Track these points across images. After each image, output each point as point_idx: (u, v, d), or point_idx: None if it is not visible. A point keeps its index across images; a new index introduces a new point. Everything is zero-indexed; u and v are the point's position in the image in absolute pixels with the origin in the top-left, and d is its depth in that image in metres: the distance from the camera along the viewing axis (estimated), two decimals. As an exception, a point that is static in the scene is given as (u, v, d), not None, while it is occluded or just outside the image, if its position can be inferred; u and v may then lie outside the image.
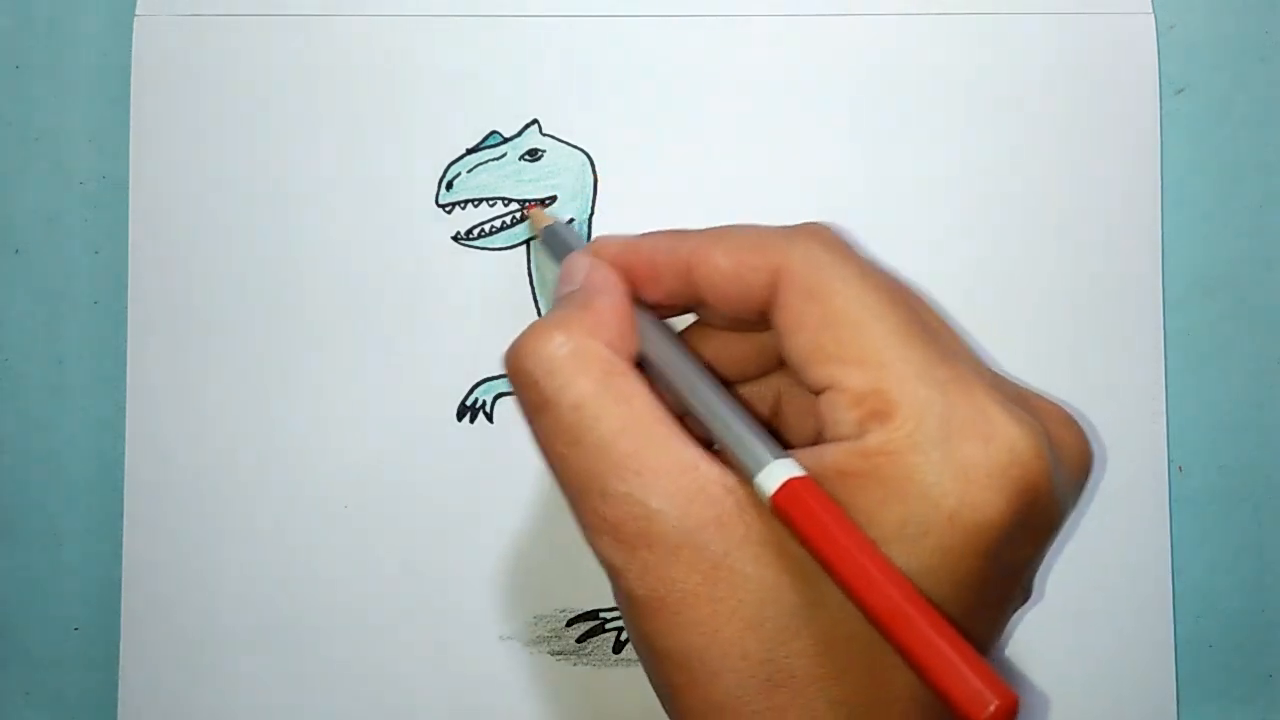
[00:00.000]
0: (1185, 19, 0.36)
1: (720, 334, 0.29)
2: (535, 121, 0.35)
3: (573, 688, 0.35)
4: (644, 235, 0.28)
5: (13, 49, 0.36)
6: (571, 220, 0.35)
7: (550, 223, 0.33)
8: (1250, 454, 0.36)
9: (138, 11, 0.35)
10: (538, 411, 0.25)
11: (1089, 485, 0.35)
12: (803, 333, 0.24)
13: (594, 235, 0.35)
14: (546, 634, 0.35)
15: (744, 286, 0.25)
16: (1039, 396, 0.27)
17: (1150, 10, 0.36)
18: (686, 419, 0.27)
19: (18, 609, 0.36)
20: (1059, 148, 0.35)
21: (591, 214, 0.35)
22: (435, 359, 0.35)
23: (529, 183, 0.35)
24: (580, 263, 0.28)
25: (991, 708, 0.20)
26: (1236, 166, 0.36)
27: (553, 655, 0.35)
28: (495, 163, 0.35)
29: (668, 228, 0.28)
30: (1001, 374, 0.26)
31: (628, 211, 0.35)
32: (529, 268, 0.35)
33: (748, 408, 0.26)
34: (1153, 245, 0.35)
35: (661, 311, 0.28)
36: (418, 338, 0.35)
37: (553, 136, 0.35)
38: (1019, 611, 0.29)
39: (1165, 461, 0.35)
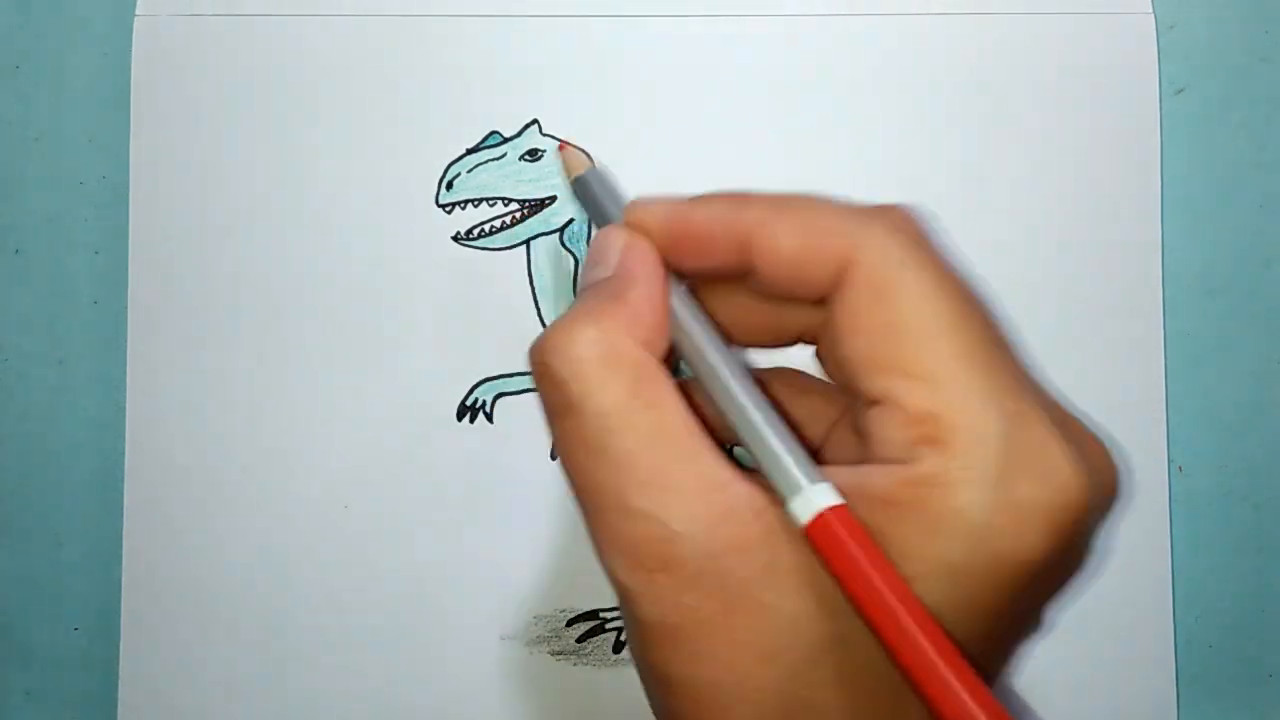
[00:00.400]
0: (1185, 19, 0.36)
1: (744, 298, 0.26)
2: (535, 121, 0.35)
3: (573, 688, 0.35)
4: (695, 200, 0.25)
5: (13, 49, 0.36)
6: (571, 220, 0.35)
7: (587, 169, 0.30)
8: (1250, 454, 0.36)
9: (138, 11, 0.35)
10: (561, 415, 0.23)
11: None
12: (863, 336, 0.22)
13: (594, 235, 0.35)
14: (546, 634, 0.35)
15: (808, 271, 0.23)
16: (1082, 426, 0.25)
17: (1150, 10, 0.36)
18: (710, 414, 0.25)
19: (18, 609, 0.36)
20: (1059, 148, 0.35)
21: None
22: (435, 359, 0.35)
23: (529, 183, 0.35)
24: (614, 241, 0.25)
25: None
26: (1236, 166, 0.36)
27: (553, 655, 0.35)
28: (495, 163, 0.35)
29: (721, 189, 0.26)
30: (1050, 395, 0.25)
31: (628, 211, 0.35)
32: (529, 268, 0.35)
33: (783, 414, 0.24)
34: (1153, 245, 0.35)
35: (698, 279, 0.26)
36: (418, 338, 0.35)
37: (553, 136, 0.35)
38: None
39: (1165, 461, 0.35)
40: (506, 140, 0.35)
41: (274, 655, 0.35)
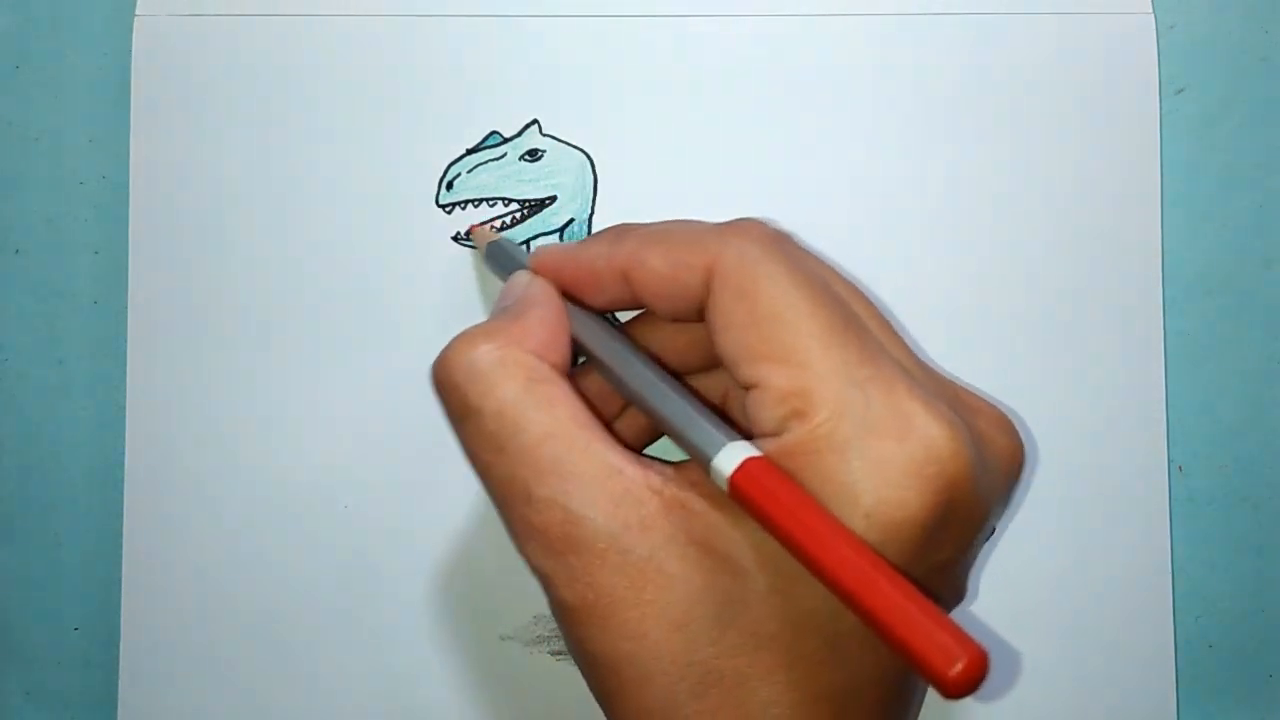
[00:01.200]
0: (1185, 19, 0.36)
1: (666, 326, 0.29)
2: (535, 121, 0.35)
3: (573, 688, 0.35)
4: (584, 242, 0.28)
5: (13, 49, 0.36)
6: (571, 220, 0.35)
7: (495, 239, 0.33)
8: (1250, 454, 0.36)
9: (138, 11, 0.35)
10: (462, 419, 0.25)
11: (1090, 485, 0.35)
12: (731, 331, 0.24)
13: (597, 230, 0.35)
14: (546, 634, 0.35)
15: (680, 287, 0.26)
16: (973, 395, 0.27)
17: (1150, 10, 0.36)
18: (618, 424, 0.27)
19: (18, 609, 0.36)
20: (1059, 147, 0.35)
21: (591, 214, 0.35)
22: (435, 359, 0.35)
23: (529, 183, 0.35)
24: (519, 279, 0.29)
25: (961, 664, 0.20)
26: (1236, 166, 0.36)
27: (553, 655, 0.35)
28: (495, 163, 0.35)
29: (611, 225, 0.28)
30: (940, 371, 0.27)
31: (628, 211, 0.35)
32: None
33: (701, 399, 0.26)
34: (1153, 245, 0.35)
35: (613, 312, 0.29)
36: (418, 338, 0.35)
37: (553, 136, 0.35)
38: (959, 609, 0.29)
39: (1165, 461, 0.35)
40: (506, 140, 0.35)
41: (274, 655, 0.35)
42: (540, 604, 0.35)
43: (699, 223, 0.27)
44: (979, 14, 0.36)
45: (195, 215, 0.35)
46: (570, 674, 0.35)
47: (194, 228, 0.35)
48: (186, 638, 0.35)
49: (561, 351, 0.26)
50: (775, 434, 0.23)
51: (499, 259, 0.32)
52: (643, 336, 0.29)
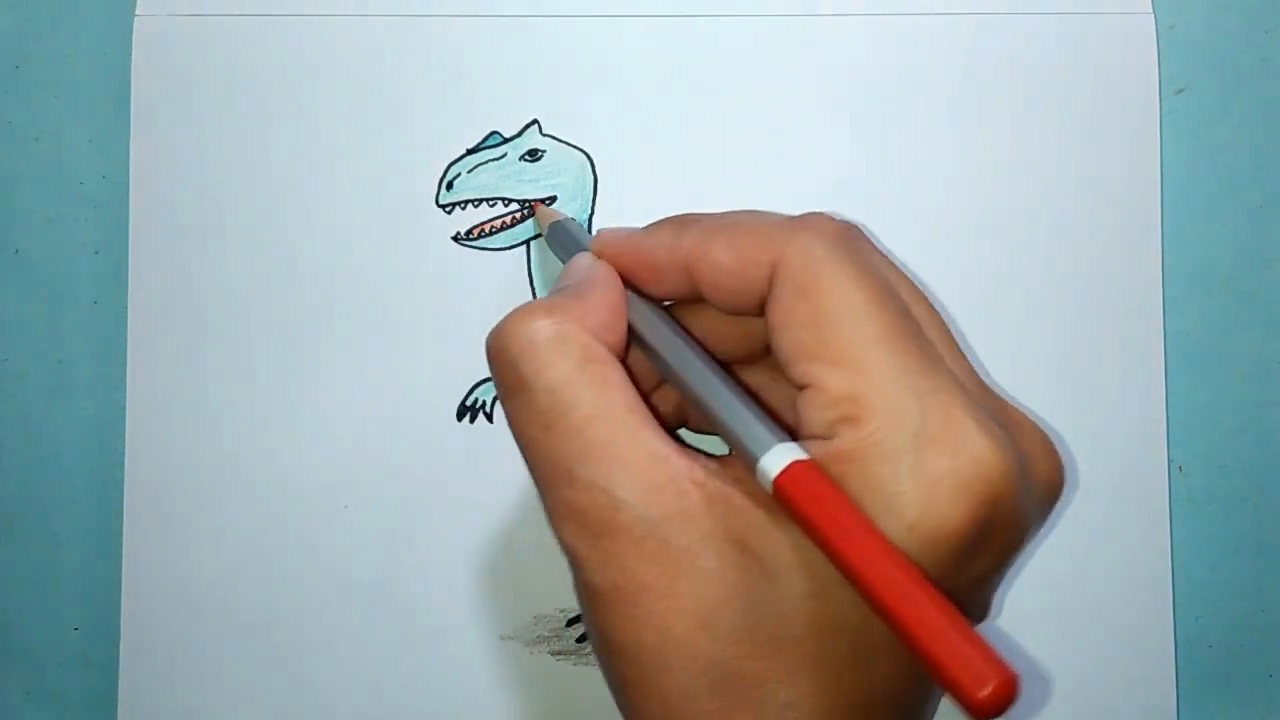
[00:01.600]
0: (1185, 19, 0.36)
1: (714, 314, 0.28)
2: (535, 121, 0.35)
3: (573, 688, 0.35)
4: (647, 229, 0.28)
5: (13, 49, 0.36)
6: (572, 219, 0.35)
7: (558, 219, 0.33)
8: (1250, 454, 0.36)
9: (138, 11, 0.35)
10: (513, 393, 0.25)
11: (1090, 485, 0.35)
12: (790, 329, 0.24)
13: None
14: (546, 634, 0.35)
15: (744, 281, 0.25)
16: (1020, 414, 0.26)
17: (1150, 10, 0.36)
18: (658, 407, 0.27)
19: (18, 609, 0.36)
20: (1059, 147, 0.35)
21: (591, 214, 0.35)
22: (435, 359, 0.35)
23: (529, 183, 0.35)
24: (581, 260, 0.28)
25: (990, 687, 0.19)
26: (1236, 166, 0.36)
27: (553, 655, 0.35)
28: (495, 163, 0.35)
29: (676, 214, 0.28)
30: (990, 385, 0.26)
31: (628, 211, 0.35)
32: (529, 268, 0.35)
33: (751, 395, 0.26)
34: (1153, 245, 0.35)
35: (671, 302, 0.28)
36: (418, 338, 0.35)
37: (553, 136, 0.35)
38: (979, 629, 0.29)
39: (1165, 461, 0.35)
40: (506, 140, 0.35)
41: (274, 655, 0.35)
42: (540, 604, 0.35)
43: (766, 214, 0.27)
44: (979, 14, 0.36)
45: (195, 215, 0.35)
46: (570, 674, 0.35)
47: (194, 228, 0.35)
48: (186, 638, 0.35)
49: (619, 335, 0.26)
50: (825, 437, 0.23)
51: (561, 239, 0.32)
52: (693, 322, 0.29)
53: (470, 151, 0.35)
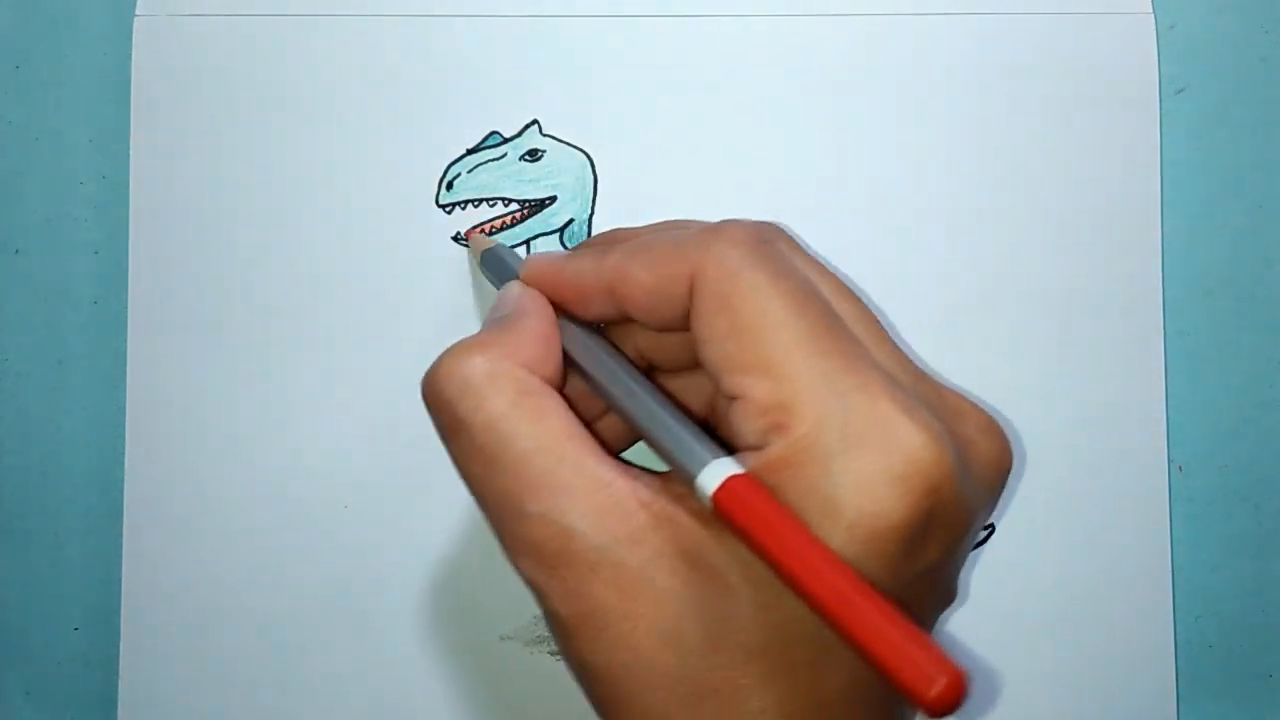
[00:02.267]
0: (1185, 19, 0.36)
1: (648, 331, 0.28)
2: (535, 121, 0.35)
3: (573, 688, 0.35)
4: (573, 253, 0.28)
5: (13, 49, 0.36)
6: (571, 221, 0.35)
7: (491, 246, 0.33)
8: (1250, 454, 0.36)
9: (138, 11, 0.35)
10: (453, 434, 0.25)
11: (1090, 485, 0.35)
12: (714, 343, 0.24)
13: (593, 235, 0.35)
14: (546, 634, 0.35)
15: (666, 299, 0.25)
16: (960, 398, 0.26)
17: (1150, 10, 0.36)
18: (599, 425, 0.27)
19: (18, 609, 0.36)
20: (1059, 148, 0.35)
21: (591, 214, 0.35)
22: (435, 359, 0.35)
23: (529, 183, 0.35)
24: (510, 290, 0.28)
25: (940, 685, 0.20)
26: (1236, 166, 0.36)
27: (553, 655, 0.35)
28: (495, 163, 0.35)
29: (604, 231, 0.28)
30: (928, 372, 0.26)
31: (628, 211, 0.35)
32: (529, 268, 0.35)
33: (686, 411, 0.26)
34: (1153, 245, 0.35)
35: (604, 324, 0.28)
36: (418, 338, 0.35)
37: (553, 136, 0.35)
38: (949, 612, 0.29)
39: (1165, 461, 0.35)
40: (506, 140, 0.35)
41: (274, 655, 0.35)
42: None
43: (684, 227, 0.27)
44: (978, 14, 0.36)
45: (195, 215, 0.35)
46: (570, 674, 0.35)
47: (194, 228, 0.35)
48: (186, 638, 0.35)
49: (553, 364, 0.26)
50: (758, 447, 0.23)
51: (493, 266, 0.32)
52: (628, 341, 0.29)
53: (470, 151, 0.35)
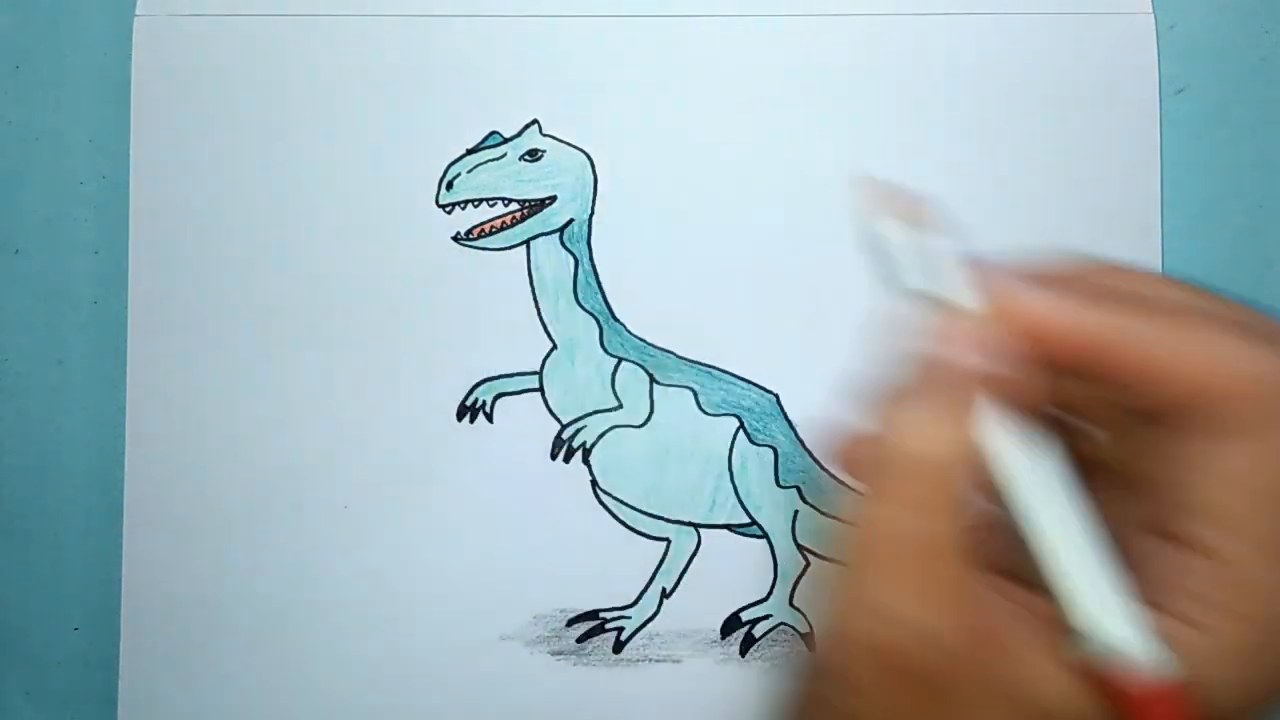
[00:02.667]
0: (1185, 19, 0.36)
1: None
2: (535, 121, 0.35)
3: (573, 688, 0.35)
4: (1081, 301, 0.20)
5: (13, 49, 0.36)
6: (571, 221, 0.35)
7: (927, 221, 0.22)
8: (1250, 454, 0.36)
9: (138, 11, 0.35)
10: (872, 498, 0.20)
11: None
12: (1217, 489, 0.19)
13: (593, 236, 0.35)
14: (546, 634, 0.35)
15: (1192, 403, 0.19)
16: None
17: (1150, 10, 0.36)
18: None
19: (18, 609, 0.36)
20: (1059, 148, 0.35)
21: (591, 214, 0.35)
22: (435, 359, 0.35)
23: (529, 183, 0.35)
24: (965, 330, 0.21)
25: None
26: (1236, 166, 0.36)
27: (553, 655, 0.35)
28: (495, 163, 0.35)
29: (1051, 268, 0.21)
30: None
31: (628, 211, 0.35)
32: (529, 268, 0.35)
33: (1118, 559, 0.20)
34: (1153, 245, 0.35)
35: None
36: (418, 338, 0.35)
37: (553, 136, 0.35)
38: None
39: (1165, 461, 0.35)
40: (506, 140, 0.35)
41: (273, 655, 0.35)
42: (540, 604, 0.35)
43: (1240, 312, 0.21)
44: (979, 14, 0.36)
45: (195, 215, 0.35)
46: (570, 674, 0.35)
47: (194, 228, 0.35)
48: (186, 637, 0.35)
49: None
50: (1187, 619, 0.19)
51: (929, 268, 0.22)
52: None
53: (470, 151, 0.35)
